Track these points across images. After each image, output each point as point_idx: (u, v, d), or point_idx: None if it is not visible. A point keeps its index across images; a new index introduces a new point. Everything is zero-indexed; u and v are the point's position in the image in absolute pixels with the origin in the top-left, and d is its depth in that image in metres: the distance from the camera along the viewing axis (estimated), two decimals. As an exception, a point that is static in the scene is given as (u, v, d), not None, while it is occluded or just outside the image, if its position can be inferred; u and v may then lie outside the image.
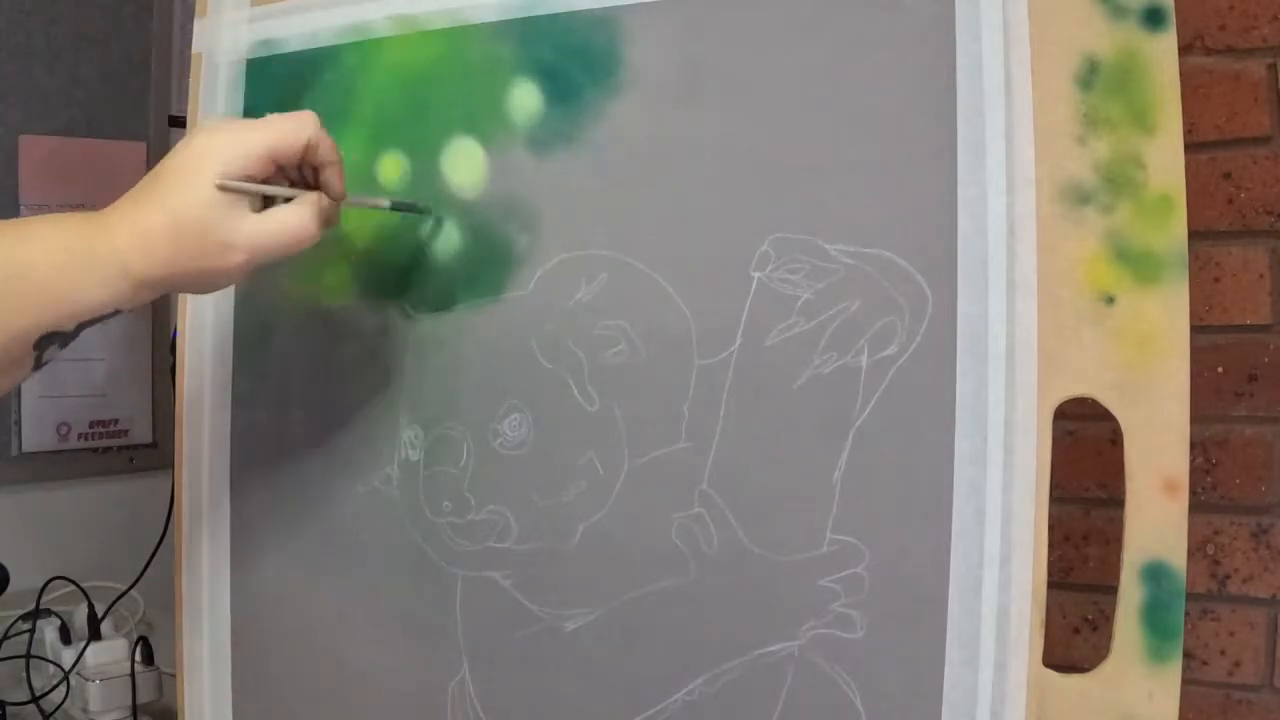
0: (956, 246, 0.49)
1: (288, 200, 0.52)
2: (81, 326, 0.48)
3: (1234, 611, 0.86)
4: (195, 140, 0.49)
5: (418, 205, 0.61)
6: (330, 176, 0.53)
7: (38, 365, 0.49)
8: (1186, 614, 0.48)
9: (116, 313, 0.49)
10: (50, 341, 0.48)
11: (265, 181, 0.50)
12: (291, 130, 0.50)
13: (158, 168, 0.50)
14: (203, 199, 0.48)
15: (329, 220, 0.53)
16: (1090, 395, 0.47)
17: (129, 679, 0.82)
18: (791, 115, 0.53)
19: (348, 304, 0.64)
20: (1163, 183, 0.46)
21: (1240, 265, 0.85)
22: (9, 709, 0.83)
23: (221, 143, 0.49)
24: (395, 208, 0.59)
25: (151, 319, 1.15)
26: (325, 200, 0.52)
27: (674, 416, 0.54)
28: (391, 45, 0.63)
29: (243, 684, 0.67)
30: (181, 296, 0.70)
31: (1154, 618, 0.46)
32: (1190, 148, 0.49)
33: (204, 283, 0.51)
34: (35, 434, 1.06)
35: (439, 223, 0.60)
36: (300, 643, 0.65)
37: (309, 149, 0.51)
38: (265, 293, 0.67)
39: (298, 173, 0.53)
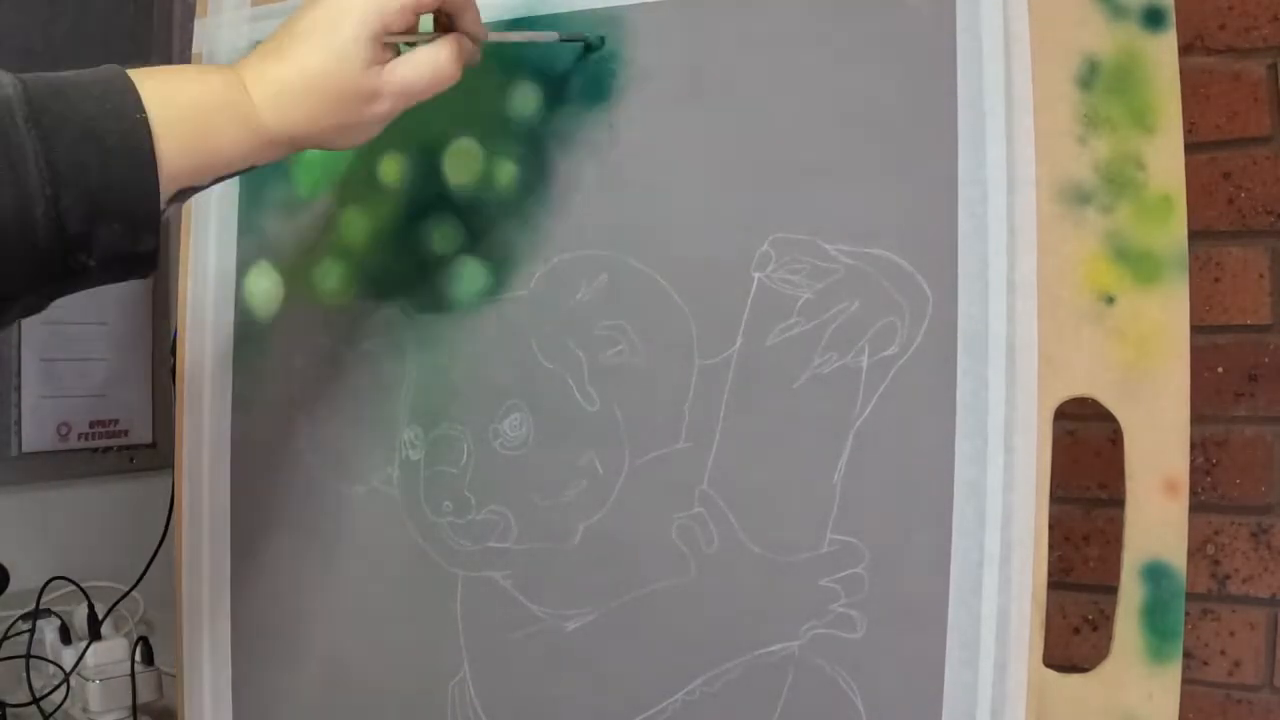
0: (956, 246, 0.49)
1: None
2: (215, 181, 0.48)
3: (1234, 611, 0.86)
4: (328, 2, 0.48)
5: (583, 37, 0.57)
6: (469, 21, 0.52)
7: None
8: (1186, 614, 0.48)
9: (252, 168, 0.49)
10: (182, 196, 0.47)
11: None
12: None
13: (290, 23, 0.49)
14: (341, 55, 0.47)
15: (470, 60, 0.52)
16: (1090, 395, 0.47)
17: (129, 679, 0.82)
18: (791, 115, 0.53)
19: (348, 304, 0.64)
20: (1163, 183, 0.46)
21: (1240, 265, 0.85)
22: (9, 710, 0.83)
23: (358, 1, 0.47)
24: (564, 39, 0.57)
25: (151, 319, 1.15)
26: (463, 40, 0.51)
27: (674, 416, 0.54)
28: (391, 45, 0.63)
29: (243, 684, 0.67)
30: (181, 295, 0.70)
31: (1154, 618, 0.46)
32: (1190, 148, 0.49)
33: (346, 135, 0.50)
34: (35, 434, 1.06)
35: (601, 41, 0.57)
36: (300, 643, 0.65)
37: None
38: (265, 293, 0.67)
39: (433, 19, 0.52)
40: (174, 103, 0.45)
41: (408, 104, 0.50)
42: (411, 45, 0.50)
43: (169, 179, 0.45)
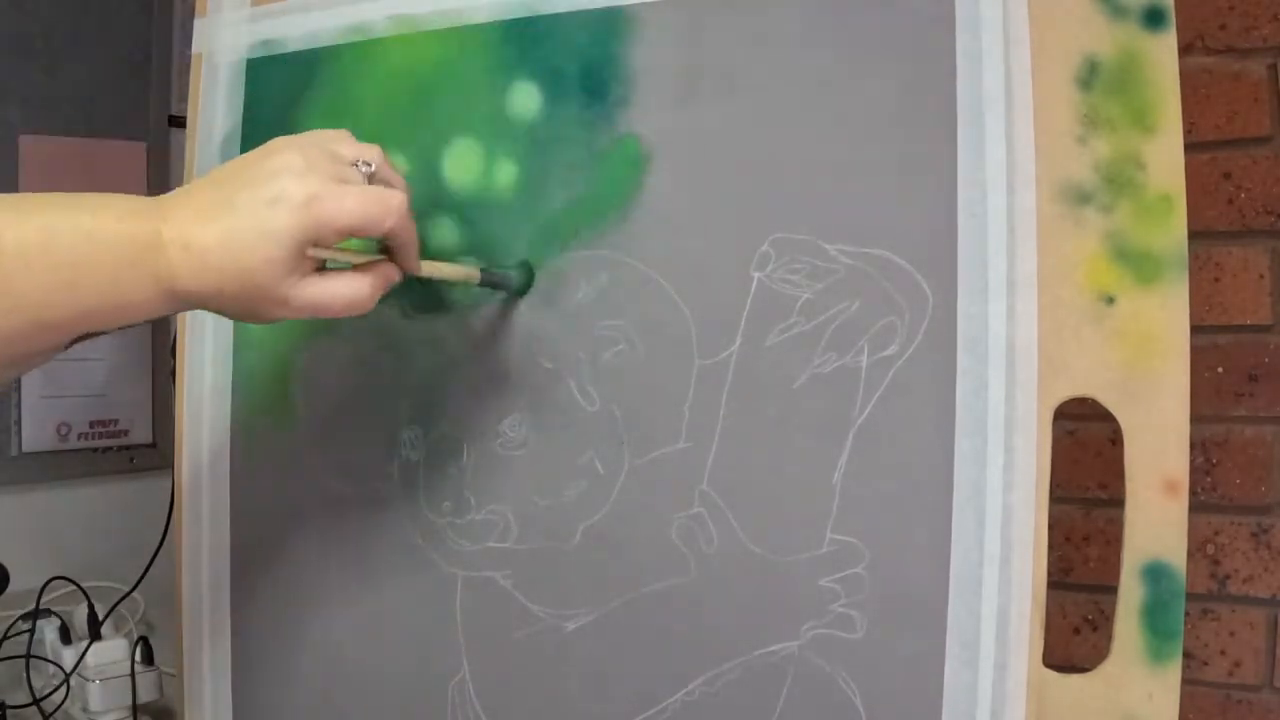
0: (956, 246, 0.49)
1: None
2: (122, 328, 0.47)
3: (1234, 611, 0.86)
4: (278, 181, 0.46)
5: (505, 280, 0.57)
6: (405, 258, 0.51)
7: (62, 351, 0.47)
8: (1186, 614, 0.48)
9: (149, 320, 0.48)
10: (86, 338, 0.46)
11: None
12: (378, 216, 0.47)
13: (231, 183, 0.47)
14: (265, 256, 0.45)
15: (387, 289, 0.51)
16: (1090, 395, 0.47)
17: (129, 679, 0.82)
18: (791, 115, 0.53)
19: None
20: (1163, 183, 0.46)
21: (1240, 265, 0.85)
22: (9, 710, 0.83)
23: (302, 200, 0.46)
24: (485, 281, 0.56)
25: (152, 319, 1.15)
26: (391, 271, 0.50)
27: (674, 416, 0.54)
28: (392, 45, 0.63)
29: (243, 684, 0.67)
30: (181, 296, 0.70)
31: (1154, 618, 0.46)
32: (1190, 148, 0.49)
33: (249, 317, 0.49)
34: (35, 434, 1.06)
35: (526, 286, 0.58)
36: (300, 643, 0.65)
37: (389, 232, 0.49)
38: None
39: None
40: (86, 248, 0.44)
41: (314, 316, 0.49)
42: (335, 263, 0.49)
43: (73, 322, 0.44)
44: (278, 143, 0.48)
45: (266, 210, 0.45)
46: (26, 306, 0.43)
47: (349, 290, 0.48)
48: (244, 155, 0.49)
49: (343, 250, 0.49)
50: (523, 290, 0.58)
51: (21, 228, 0.43)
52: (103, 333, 0.46)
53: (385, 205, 0.47)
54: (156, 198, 0.47)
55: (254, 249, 0.45)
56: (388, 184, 0.50)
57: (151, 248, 0.45)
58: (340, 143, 0.49)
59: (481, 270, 0.56)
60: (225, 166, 0.49)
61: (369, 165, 0.49)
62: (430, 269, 0.53)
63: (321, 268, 0.48)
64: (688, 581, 0.54)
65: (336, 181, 0.47)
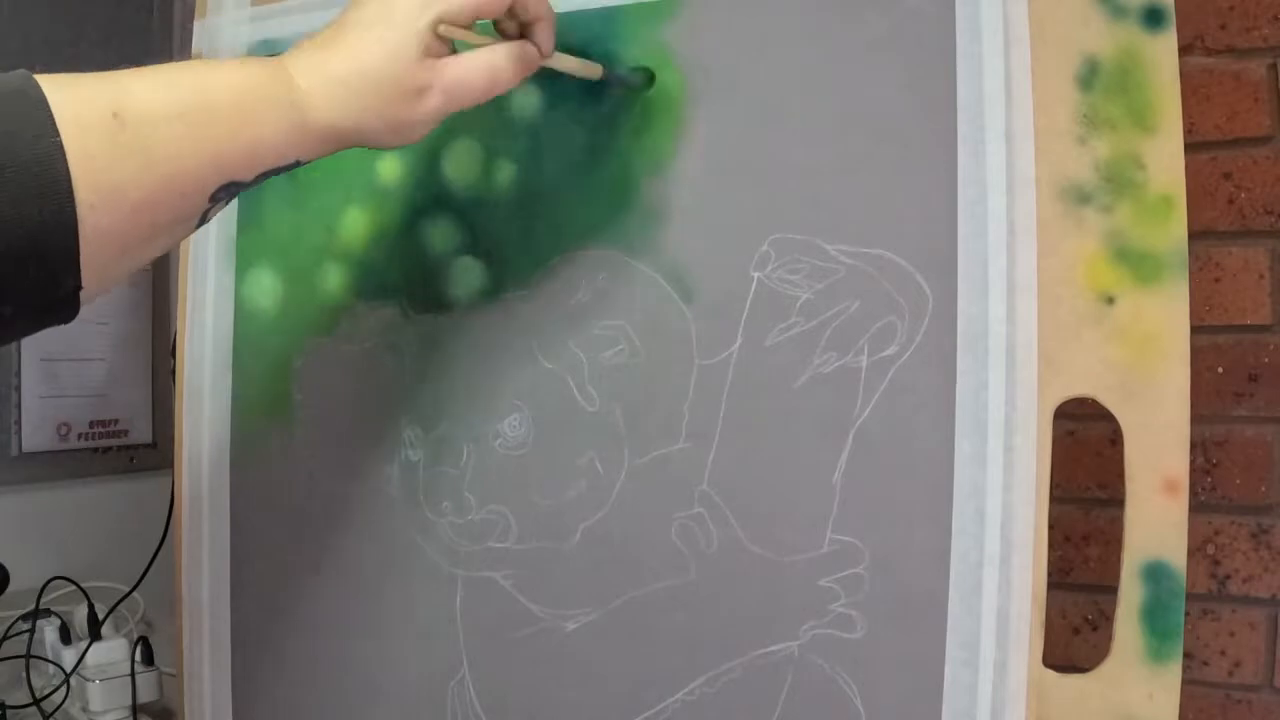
0: (956, 246, 0.49)
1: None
2: (262, 176, 0.45)
3: (1234, 611, 0.86)
4: None
5: (630, 80, 0.56)
6: (540, 33, 0.50)
7: (203, 220, 0.45)
8: (1186, 614, 0.48)
9: (297, 164, 0.46)
10: (227, 193, 0.44)
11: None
12: (489, 3, 0.47)
13: (341, 17, 0.47)
14: (394, 46, 0.45)
15: (528, 69, 0.50)
16: (1090, 395, 0.47)
17: (129, 679, 0.82)
18: (791, 115, 0.53)
19: (348, 304, 0.64)
20: (1163, 183, 0.46)
21: (1240, 265, 0.85)
22: (9, 710, 0.83)
23: None
24: (608, 79, 0.56)
25: (151, 319, 1.15)
26: (528, 48, 0.50)
27: (674, 416, 0.54)
28: (391, 45, 0.63)
29: (243, 684, 0.67)
30: (181, 295, 0.70)
31: (1154, 618, 0.46)
32: (1190, 148, 0.49)
33: (395, 132, 0.48)
34: (35, 434, 1.06)
35: (650, 81, 0.56)
36: (300, 643, 0.65)
37: (516, 6, 0.48)
38: (265, 293, 0.67)
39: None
40: (211, 89, 0.43)
41: (460, 105, 0.48)
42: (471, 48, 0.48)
43: (207, 172, 0.42)
44: None
45: (385, 15, 0.46)
46: (158, 160, 0.41)
47: (489, 64, 0.48)
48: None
49: (475, 36, 0.48)
50: (646, 88, 0.56)
51: (144, 85, 0.41)
52: (243, 186, 0.44)
53: None
54: (270, 56, 0.47)
55: (381, 51, 0.45)
56: None
57: (277, 79, 0.45)
58: None
59: (605, 68, 0.56)
60: (340, 12, 0.48)
61: None
62: (557, 60, 0.52)
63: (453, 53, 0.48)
64: (688, 581, 0.54)
65: None
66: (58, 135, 0.38)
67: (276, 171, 0.46)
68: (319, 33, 0.48)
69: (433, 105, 0.47)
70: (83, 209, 0.38)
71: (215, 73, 0.44)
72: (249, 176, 0.44)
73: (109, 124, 0.39)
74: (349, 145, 0.48)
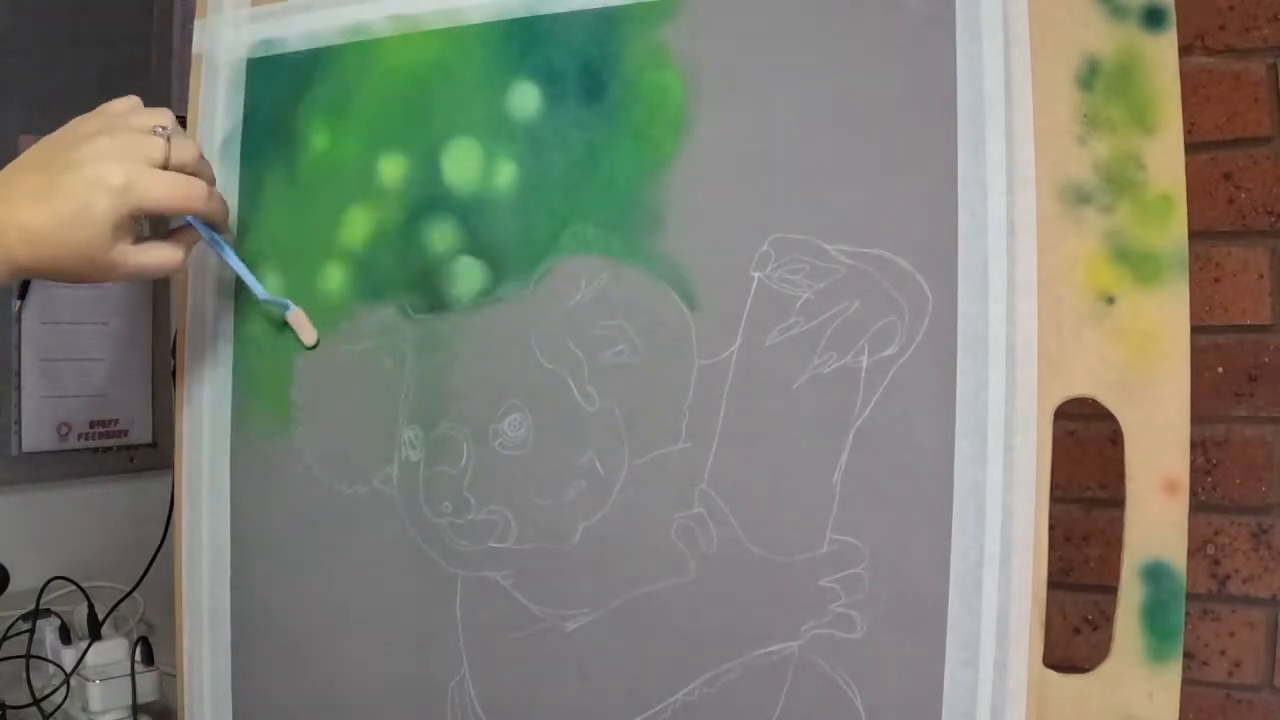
0: (956, 246, 0.49)
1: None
2: None
3: (1234, 611, 0.86)
4: (97, 163, 0.53)
5: (279, 300, 0.64)
6: (220, 227, 0.61)
7: None
8: (1186, 614, 0.48)
9: None
10: None
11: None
12: (184, 202, 0.55)
13: (53, 164, 0.53)
14: (94, 228, 0.52)
15: (190, 250, 0.59)
16: (1090, 395, 0.47)
17: (129, 679, 0.82)
18: (791, 115, 0.53)
19: (348, 304, 0.64)
20: (1163, 183, 0.46)
21: (1240, 265, 0.85)
22: (9, 710, 0.83)
23: (122, 179, 0.52)
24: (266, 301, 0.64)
25: (151, 319, 1.15)
26: (193, 235, 0.60)
27: (674, 416, 0.54)
28: (392, 45, 0.63)
29: (243, 684, 0.67)
30: (182, 297, 0.70)
31: (1154, 618, 0.46)
32: (1190, 148, 0.49)
33: (80, 279, 0.55)
34: (35, 434, 1.06)
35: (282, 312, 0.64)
36: (300, 643, 0.65)
37: (201, 215, 0.57)
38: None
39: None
40: None
41: (137, 278, 0.57)
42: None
43: None
44: (84, 124, 0.55)
45: (88, 193, 0.52)
46: None
47: (168, 258, 0.57)
48: (55, 135, 0.55)
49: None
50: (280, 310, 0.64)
51: None
52: None
53: (189, 193, 0.55)
54: None
55: (80, 228, 0.52)
56: (182, 145, 0.56)
57: None
58: (135, 114, 0.56)
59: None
60: (42, 146, 0.55)
61: (165, 129, 0.55)
62: (231, 260, 0.63)
63: (138, 239, 0.56)
64: (688, 581, 0.54)
65: (147, 164, 0.54)
66: None
67: None
68: (26, 168, 0.54)
69: (114, 277, 0.56)
70: None
71: None
72: None
73: None
74: (40, 277, 0.55)
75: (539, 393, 0.58)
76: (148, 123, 0.55)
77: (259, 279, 0.65)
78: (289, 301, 0.64)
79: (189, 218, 0.58)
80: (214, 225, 0.60)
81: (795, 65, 0.53)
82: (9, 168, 0.55)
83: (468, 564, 0.60)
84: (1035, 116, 0.48)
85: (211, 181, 0.59)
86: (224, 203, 0.60)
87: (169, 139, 0.55)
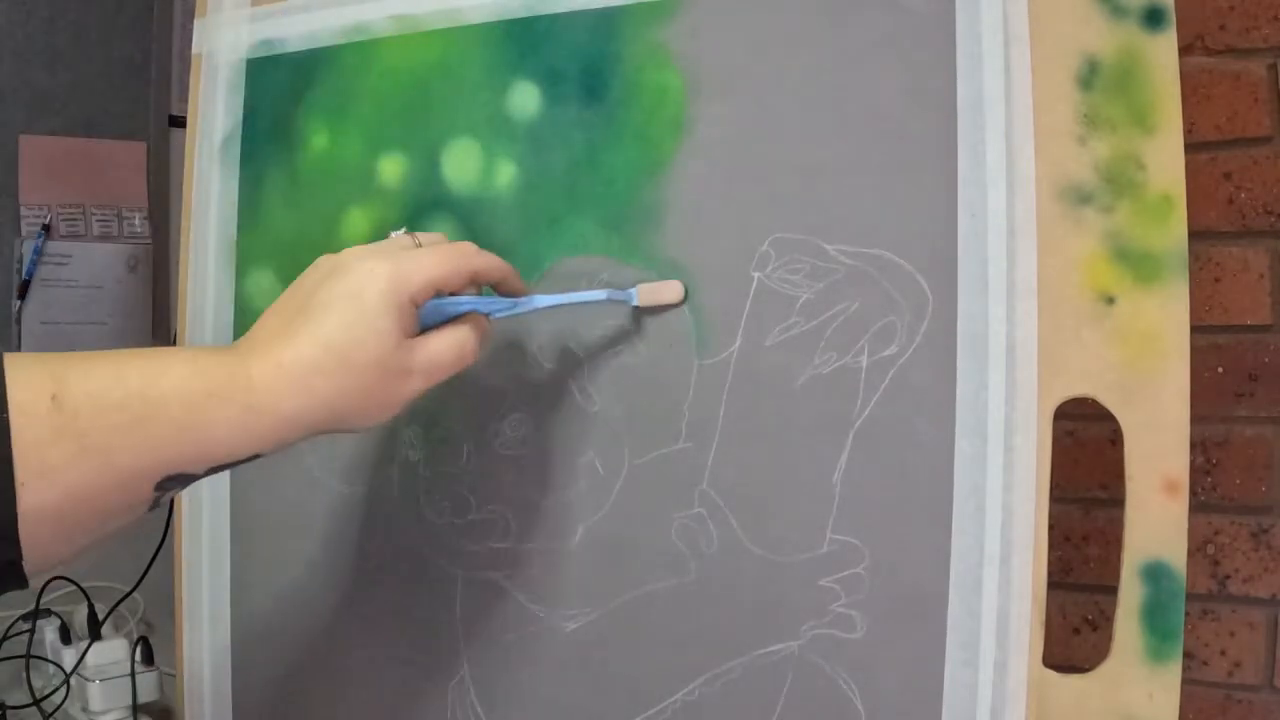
0: (956, 246, 0.49)
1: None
2: (213, 470, 0.44)
3: (1234, 611, 0.86)
4: (348, 270, 0.45)
5: (625, 295, 0.55)
6: (512, 289, 0.52)
7: (154, 506, 0.43)
8: (1186, 614, 0.48)
9: (256, 456, 0.44)
10: (174, 484, 0.43)
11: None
12: (458, 265, 0.48)
13: (296, 301, 0.46)
14: (372, 326, 0.44)
15: (488, 339, 0.51)
16: (1090, 395, 0.47)
17: (129, 679, 0.82)
18: (791, 115, 0.53)
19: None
20: (1163, 183, 0.46)
21: (1240, 265, 0.85)
22: (9, 711, 0.83)
23: (383, 271, 0.45)
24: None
25: (151, 319, 1.15)
26: (485, 323, 0.50)
27: (674, 416, 0.54)
28: (391, 45, 0.63)
29: (243, 684, 0.67)
30: (181, 297, 0.70)
31: (1154, 618, 0.46)
32: (1190, 148, 0.49)
33: (369, 415, 0.46)
34: (35, 434, 1.06)
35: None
36: (300, 643, 0.65)
37: (478, 277, 0.49)
38: (265, 293, 0.67)
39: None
40: (158, 385, 0.41)
41: (432, 384, 0.47)
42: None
43: (147, 464, 0.41)
44: (312, 269, 0.47)
45: (355, 296, 0.44)
46: (93, 449, 0.40)
47: (459, 343, 0.48)
48: (286, 293, 0.47)
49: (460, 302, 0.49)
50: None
51: (90, 376, 0.40)
52: (194, 478, 0.43)
53: (460, 253, 0.48)
54: (225, 347, 0.46)
55: (360, 331, 0.44)
56: (426, 233, 0.50)
57: (234, 379, 0.43)
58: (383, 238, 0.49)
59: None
60: (282, 296, 0.47)
61: (408, 232, 0.49)
62: (547, 300, 0.53)
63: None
64: (688, 581, 0.54)
65: (402, 249, 0.47)
66: (5, 412, 0.38)
67: (234, 464, 0.44)
68: (264, 320, 0.46)
69: (412, 388, 0.47)
70: (19, 486, 0.38)
71: (166, 368, 0.42)
72: (199, 470, 0.43)
73: (47, 406, 0.39)
74: (319, 432, 0.46)
75: (539, 393, 0.58)
76: (392, 234, 0.49)
77: (259, 278, 0.65)
78: (632, 292, 0.54)
79: (471, 302, 0.50)
80: (501, 284, 0.52)
81: (796, 65, 0.53)
82: (245, 336, 0.46)
83: (468, 564, 0.60)
84: (1035, 116, 0.48)
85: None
86: (498, 260, 0.51)
87: (404, 231, 0.50)
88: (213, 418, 0.42)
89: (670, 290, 0.54)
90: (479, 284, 0.50)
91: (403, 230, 0.50)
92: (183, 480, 0.43)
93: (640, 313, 0.55)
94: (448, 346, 0.47)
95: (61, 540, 0.40)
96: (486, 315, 0.50)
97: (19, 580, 0.40)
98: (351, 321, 0.44)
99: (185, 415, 0.41)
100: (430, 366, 0.47)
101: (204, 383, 0.42)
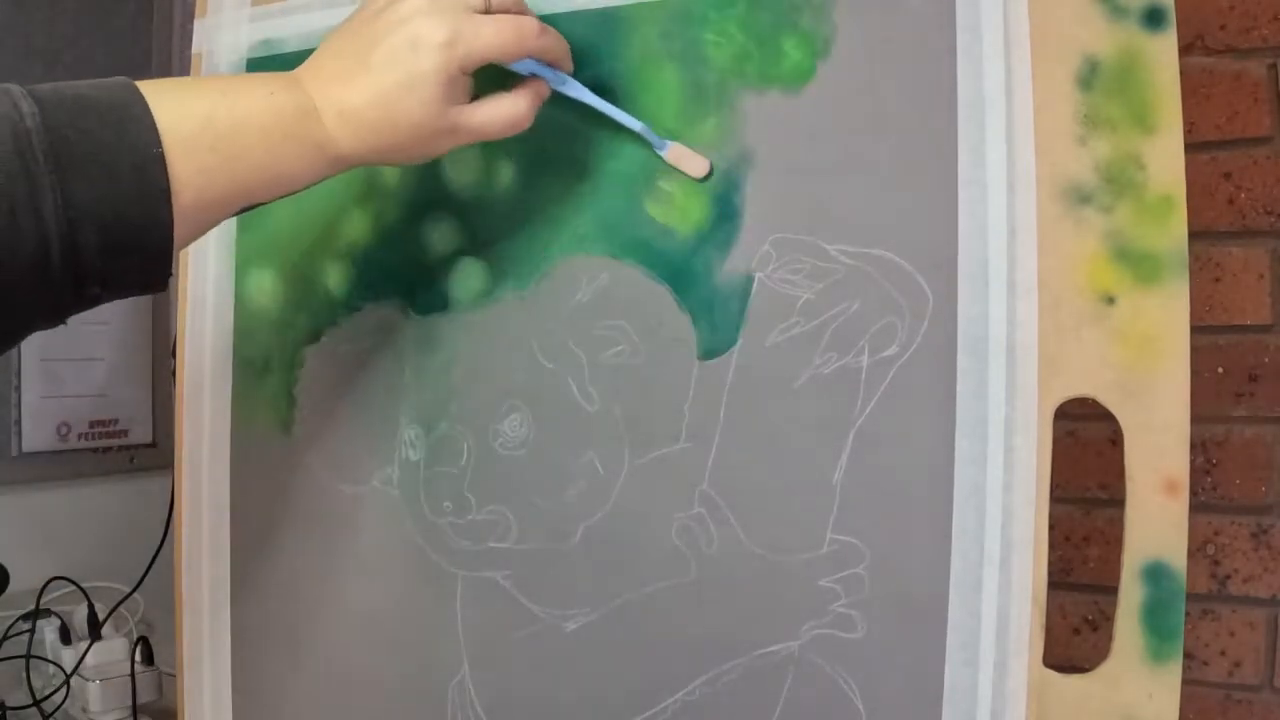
0: (956, 246, 0.49)
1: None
2: (279, 197, 0.49)
3: (1234, 611, 0.86)
4: (412, 24, 0.48)
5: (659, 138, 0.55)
6: (562, 64, 0.53)
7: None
8: (1186, 614, 0.48)
9: (309, 186, 0.50)
10: (247, 209, 0.48)
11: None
12: (515, 41, 0.49)
13: (358, 44, 0.48)
14: (421, 94, 0.47)
15: (541, 100, 0.53)
16: (1090, 395, 0.47)
17: (129, 679, 0.82)
18: (791, 115, 0.53)
19: (348, 304, 0.64)
20: (1163, 183, 0.46)
21: (1240, 265, 0.85)
22: (9, 711, 0.83)
23: (444, 34, 0.47)
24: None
25: (152, 319, 1.15)
26: (542, 87, 0.52)
27: (674, 416, 0.54)
28: (391, 45, 0.63)
29: (243, 684, 0.67)
30: (181, 297, 0.70)
31: (1154, 618, 0.46)
32: (1190, 148, 0.49)
33: (414, 158, 0.51)
34: (35, 434, 1.06)
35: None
36: (300, 643, 0.65)
37: (535, 53, 0.51)
38: (265, 293, 0.67)
39: None
40: (243, 128, 0.46)
41: (478, 140, 0.51)
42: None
43: (232, 196, 0.46)
44: None
45: (409, 57, 0.47)
46: (189, 188, 0.44)
47: (512, 110, 0.51)
48: (352, 16, 0.50)
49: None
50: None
51: (178, 115, 0.44)
52: (263, 203, 0.48)
53: (520, 30, 0.49)
54: (292, 73, 0.49)
55: (408, 97, 0.47)
56: (505, 5, 0.51)
57: (306, 117, 0.47)
58: None
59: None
60: (349, 23, 0.50)
61: None
62: (588, 98, 0.54)
63: (474, 96, 0.50)
64: (688, 581, 0.54)
65: (466, 10, 0.48)
66: (159, 147, 0.43)
67: (292, 193, 0.49)
68: (333, 54, 0.49)
69: (455, 143, 0.51)
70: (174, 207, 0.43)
71: (249, 111, 0.46)
72: (270, 198, 0.48)
73: (214, 153, 0.45)
74: (365, 165, 0.51)
75: (539, 393, 0.58)
76: None
77: (259, 278, 0.65)
78: (665, 141, 0.55)
79: (529, 64, 0.52)
80: (555, 64, 0.53)
81: (795, 65, 0.53)
82: (311, 57, 0.50)
83: (468, 564, 0.60)
84: (1035, 117, 0.48)
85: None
86: (560, 38, 0.53)
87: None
88: (289, 155, 0.47)
89: (697, 163, 0.54)
90: (541, 58, 0.52)
91: None
92: (255, 207, 0.48)
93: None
94: (500, 115, 0.51)
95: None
96: (544, 79, 0.52)
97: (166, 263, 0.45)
98: (402, 84, 0.47)
99: (266, 156, 0.46)
100: (477, 130, 0.50)
101: (282, 126, 0.47)
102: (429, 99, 0.48)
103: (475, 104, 0.50)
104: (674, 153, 0.55)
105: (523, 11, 0.51)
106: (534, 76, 0.52)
